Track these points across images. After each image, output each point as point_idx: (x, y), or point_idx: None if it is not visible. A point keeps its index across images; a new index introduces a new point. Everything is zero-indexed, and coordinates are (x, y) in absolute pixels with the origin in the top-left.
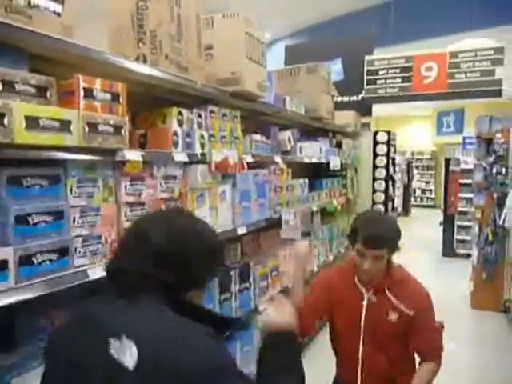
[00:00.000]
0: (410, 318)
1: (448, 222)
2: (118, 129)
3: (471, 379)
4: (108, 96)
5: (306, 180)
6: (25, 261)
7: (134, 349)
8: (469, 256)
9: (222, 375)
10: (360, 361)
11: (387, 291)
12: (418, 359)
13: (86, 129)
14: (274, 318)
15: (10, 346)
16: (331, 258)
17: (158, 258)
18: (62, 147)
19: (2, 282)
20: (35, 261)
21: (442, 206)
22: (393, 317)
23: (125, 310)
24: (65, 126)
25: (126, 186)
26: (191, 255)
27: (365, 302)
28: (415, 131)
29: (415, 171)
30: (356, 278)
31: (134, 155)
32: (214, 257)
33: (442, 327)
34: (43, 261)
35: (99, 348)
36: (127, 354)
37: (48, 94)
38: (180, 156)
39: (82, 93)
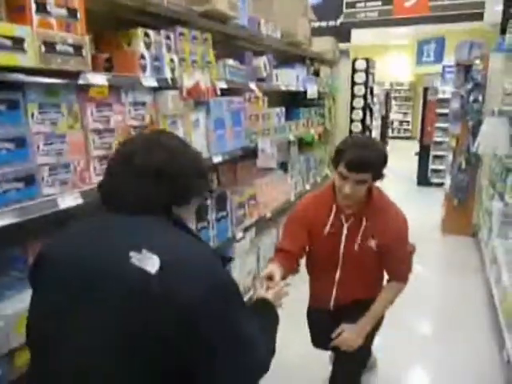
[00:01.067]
0: (387, 246)
1: (423, 152)
2: (78, 49)
3: (438, 301)
4: (64, 11)
5: (283, 109)
6: None
7: (156, 257)
8: (442, 185)
9: (230, 292)
10: (335, 285)
11: (366, 220)
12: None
13: (43, 48)
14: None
15: None
16: (308, 187)
17: (156, 177)
18: (17, 69)
19: None
20: (0, 189)
21: (419, 137)
22: (371, 244)
23: (137, 226)
24: (18, 44)
25: (92, 112)
26: (185, 174)
27: (344, 231)
28: (394, 61)
29: (393, 102)
30: (335, 207)
31: (98, 79)
32: (203, 176)
33: (414, 249)
34: (9, 189)
35: (119, 259)
36: (149, 262)
37: None
38: (149, 80)
39: (34, 7)
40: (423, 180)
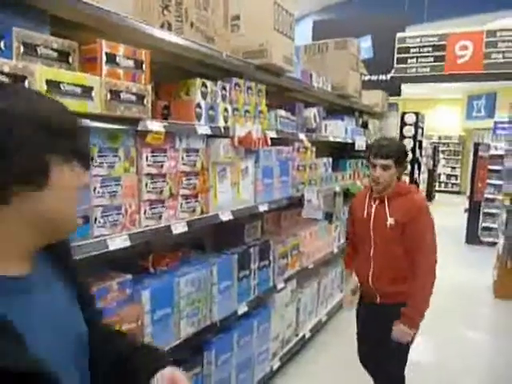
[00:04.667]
0: (405, 221)
1: (473, 209)
2: (140, 98)
3: (489, 368)
4: (131, 63)
5: (330, 159)
6: None
7: None
8: (493, 244)
9: None
10: (372, 261)
11: (387, 201)
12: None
13: (108, 96)
14: None
15: None
16: None
17: None
18: (83, 114)
19: None
20: None
21: (468, 193)
22: (390, 222)
23: None
24: (87, 92)
25: (147, 157)
26: (13, 140)
27: (372, 210)
28: (443, 115)
29: (441, 156)
30: (369, 194)
31: (156, 126)
32: (46, 129)
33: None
34: None
35: None
36: None
37: (70, 58)
38: (203, 129)
39: (104, 58)
40: (473, 238)
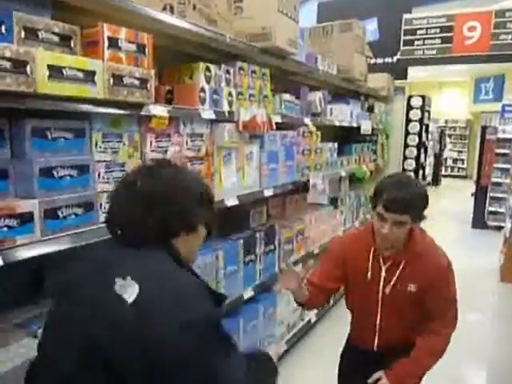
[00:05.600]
0: (427, 290)
1: (480, 193)
2: (143, 82)
3: (494, 352)
4: (133, 47)
5: (336, 144)
6: (50, 214)
7: (136, 287)
8: (499, 228)
9: (209, 329)
10: (377, 329)
11: (405, 264)
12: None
13: (111, 81)
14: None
15: (38, 298)
16: (357, 224)
17: (145, 205)
18: (86, 99)
19: (28, 235)
20: (60, 214)
21: (475, 177)
22: (411, 289)
23: (132, 257)
24: (89, 76)
25: (151, 142)
26: (177, 200)
27: (383, 274)
28: (450, 98)
29: (448, 140)
30: (373, 248)
31: (160, 110)
32: (203, 203)
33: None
34: (68, 215)
35: (105, 285)
36: (128, 290)
37: (72, 43)
38: (207, 113)
39: (106, 42)
40: (479, 222)
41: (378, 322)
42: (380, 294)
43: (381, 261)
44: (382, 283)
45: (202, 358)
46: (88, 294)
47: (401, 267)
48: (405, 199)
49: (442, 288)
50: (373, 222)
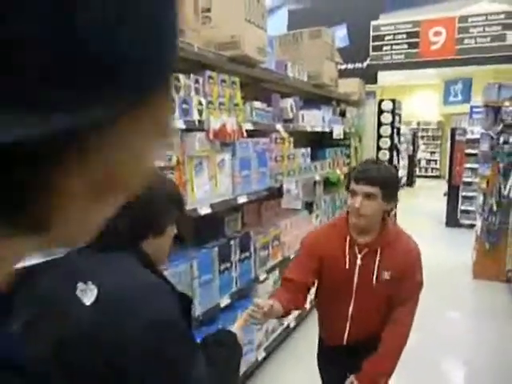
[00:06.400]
0: (400, 277)
1: (452, 193)
2: None
3: (469, 348)
4: None
5: (309, 149)
6: None
7: (95, 291)
8: (472, 226)
9: (167, 331)
10: (349, 320)
11: (380, 251)
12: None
13: None
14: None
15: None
16: None
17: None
18: None
19: None
20: None
21: (447, 177)
22: (385, 276)
23: (99, 262)
24: None
25: None
26: (143, 202)
27: (358, 262)
28: (421, 101)
29: (420, 142)
30: (348, 237)
31: None
32: (173, 202)
33: (422, 286)
34: None
35: (68, 290)
36: (88, 293)
37: None
38: (177, 123)
39: None
40: (453, 221)
41: (349, 312)
42: (355, 282)
43: (356, 249)
44: (357, 272)
45: (164, 358)
46: (54, 302)
47: (377, 255)
48: (373, 170)
49: (414, 273)
50: (347, 213)
